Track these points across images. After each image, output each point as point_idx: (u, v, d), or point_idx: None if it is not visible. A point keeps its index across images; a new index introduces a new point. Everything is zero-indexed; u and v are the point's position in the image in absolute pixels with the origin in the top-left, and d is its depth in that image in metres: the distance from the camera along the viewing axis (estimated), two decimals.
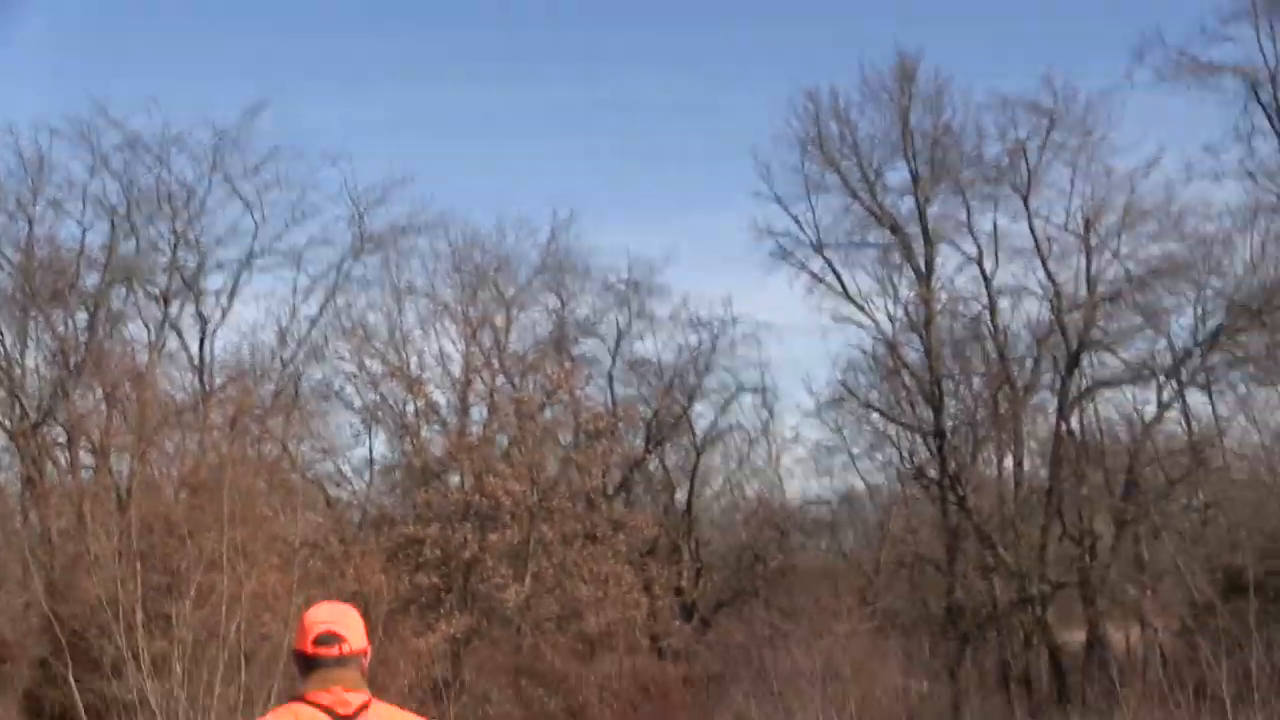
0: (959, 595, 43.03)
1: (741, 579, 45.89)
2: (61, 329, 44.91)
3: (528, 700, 37.38)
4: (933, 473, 45.66)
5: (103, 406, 44.00)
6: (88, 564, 30.58)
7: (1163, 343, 44.35)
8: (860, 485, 48.81)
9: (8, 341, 44.64)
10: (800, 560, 47.53)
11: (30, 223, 44.79)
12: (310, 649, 6.06)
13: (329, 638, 6.06)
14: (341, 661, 6.04)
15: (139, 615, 27.42)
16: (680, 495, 47.66)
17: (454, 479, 42.75)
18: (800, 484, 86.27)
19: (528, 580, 39.52)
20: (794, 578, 44.18)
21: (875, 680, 31.94)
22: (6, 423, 44.38)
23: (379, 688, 22.11)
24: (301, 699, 5.99)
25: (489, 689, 36.94)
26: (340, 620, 6.16)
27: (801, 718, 29.40)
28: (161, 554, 31.43)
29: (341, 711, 5.94)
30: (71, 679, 26.65)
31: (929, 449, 45.88)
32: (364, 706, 5.98)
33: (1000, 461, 46.37)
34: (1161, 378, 43.95)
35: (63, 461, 44.57)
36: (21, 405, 43.53)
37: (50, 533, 39.73)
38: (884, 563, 46.68)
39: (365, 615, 21.61)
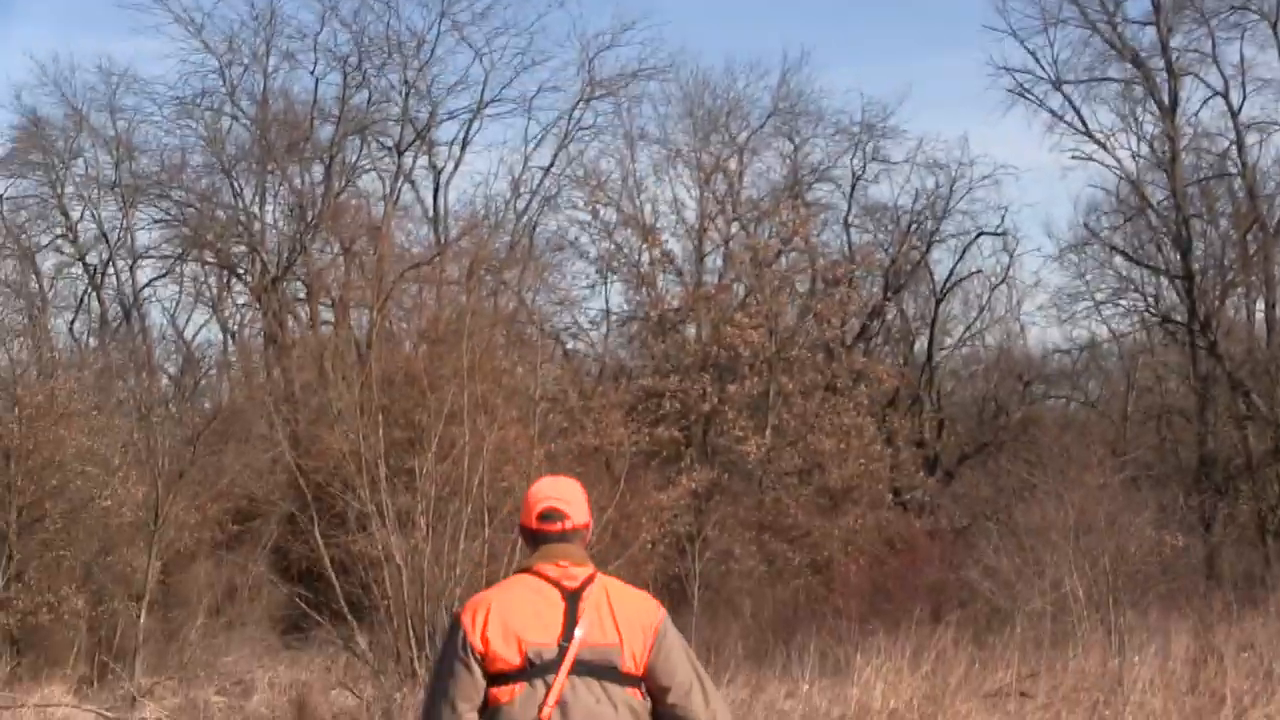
0: (1211, 446, 41.89)
1: (984, 431, 45.03)
2: (298, 183, 45.24)
3: (771, 555, 37.06)
4: (1180, 318, 44.30)
5: (340, 260, 44.37)
6: (330, 419, 30.65)
7: None
8: (1104, 333, 47.51)
9: (247, 197, 45.08)
10: (1044, 412, 46.56)
11: (265, 75, 45.03)
12: (535, 524, 6.17)
13: (552, 514, 6.15)
14: (564, 536, 6.13)
15: (382, 470, 27.39)
16: (920, 345, 46.84)
17: (690, 330, 42.44)
18: (1041, 332, 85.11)
19: (768, 433, 39.12)
20: (1038, 429, 43.16)
21: (1128, 533, 31.02)
22: (248, 278, 44.89)
23: (622, 543, 21.83)
24: (530, 571, 6.09)
25: (732, 544, 36.64)
26: (563, 496, 6.24)
27: (1053, 571, 28.64)
28: (402, 408, 31.48)
29: (568, 585, 6.01)
30: (318, 534, 26.71)
31: (1177, 293, 44.51)
32: (589, 580, 6.06)
33: (1251, 305, 44.91)
34: None
35: (303, 316, 45.06)
36: (262, 261, 43.99)
37: (293, 388, 40.17)
38: (1131, 413, 45.46)
39: (607, 469, 21.51)
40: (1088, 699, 21.68)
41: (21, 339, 40.65)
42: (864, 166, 46.49)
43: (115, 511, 34.01)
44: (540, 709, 5.81)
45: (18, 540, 33.86)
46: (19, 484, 34.05)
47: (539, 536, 6.15)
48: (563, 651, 5.86)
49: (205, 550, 35.72)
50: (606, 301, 45.94)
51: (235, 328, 46.15)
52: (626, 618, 6.01)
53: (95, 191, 45.28)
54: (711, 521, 36.32)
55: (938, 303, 46.55)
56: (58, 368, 39.08)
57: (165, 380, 44.14)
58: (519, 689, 5.85)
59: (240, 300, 45.99)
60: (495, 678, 5.88)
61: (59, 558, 34.21)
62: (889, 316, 46.54)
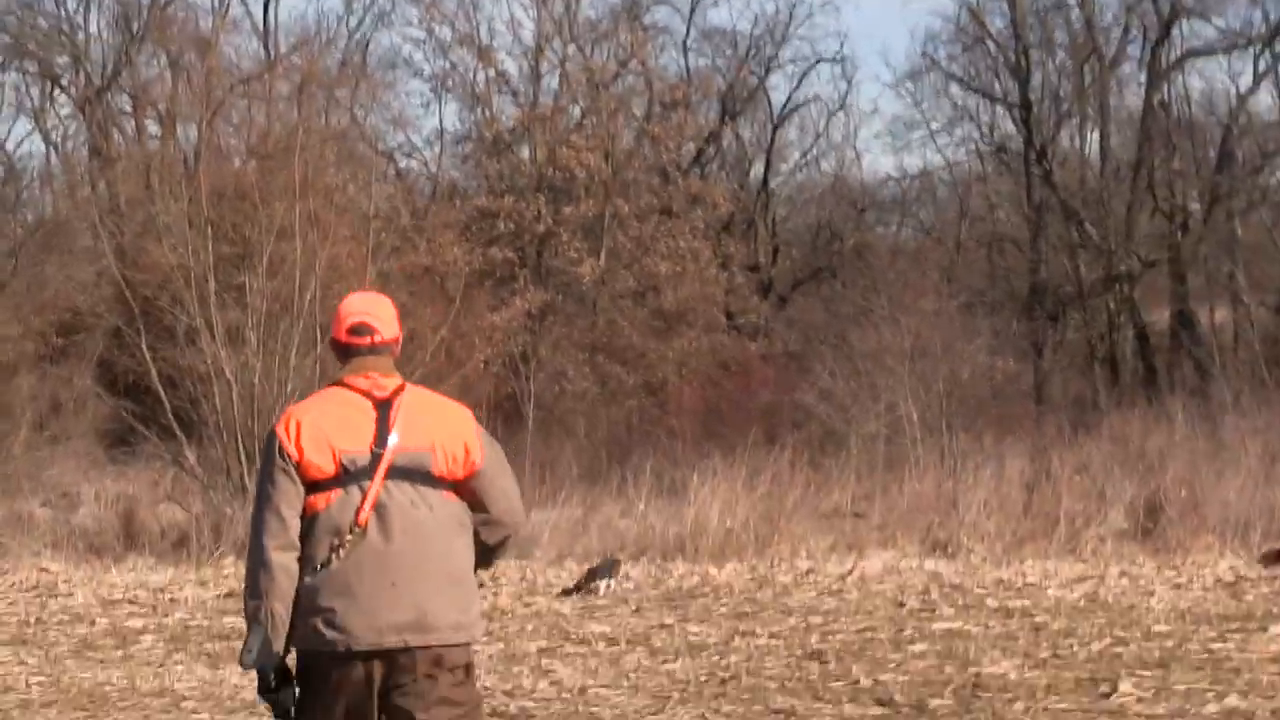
0: (1043, 274, 42.21)
1: (818, 257, 45.03)
2: None
3: (604, 376, 36.91)
4: (1016, 147, 44.45)
5: (168, 74, 43.31)
6: (157, 232, 29.92)
7: (1258, 12, 42.94)
8: (937, 162, 47.54)
9: (70, 6, 43.79)
10: (877, 239, 46.64)
11: None
12: (345, 338, 6.30)
13: (361, 328, 6.28)
14: (374, 350, 6.26)
15: (211, 284, 26.85)
16: (755, 172, 46.61)
17: (525, 152, 41.95)
18: (875, 160, 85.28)
19: (603, 255, 38.82)
20: (871, 257, 43.30)
21: (961, 359, 31.22)
22: (72, 89, 43.74)
23: (456, 362, 21.43)
24: (340, 384, 6.25)
25: (565, 364, 36.46)
26: (373, 311, 6.37)
27: (888, 395, 28.75)
28: (231, 222, 30.85)
29: (378, 395, 6.16)
30: (144, 347, 26.17)
31: (1013, 121, 44.59)
32: (399, 389, 6.21)
33: (1086, 136, 45.17)
34: (1257, 47, 42.77)
35: (129, 130, 44.00)
36: (86, 72, 42.87)
37: (119, 201, 39.29)
38: (964, 241, 45.61)
39: (440, 289, 21.08)
40: (923, 520, 21.79)
41: None
42: None
43: None
44: (357, 513, 5.95)
45: None
46: None
47: (349, 350, 6.27)
48: (376, 458, 6.01)
49: (28, 363, 35.02)
50: (440, 121, 45.44)
51: (58, 140, 44.93)
52: (438, 424, 6.17)
53: None
54: (545, 342, 36.11)
55: (775, 129, 46.27)
56: None
57: None
58: (334, 495, 6.00)
59: (64, 112, 44.76)
60: (311, 485, 6.02)
61: None
62: (725, 142, 46.19)
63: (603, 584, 18.06)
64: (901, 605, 16.05)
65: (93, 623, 16.32)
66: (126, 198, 39.10)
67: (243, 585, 6.11)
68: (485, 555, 6.30)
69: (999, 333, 34.04)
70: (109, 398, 32.44)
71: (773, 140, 46.23)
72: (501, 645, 14.17)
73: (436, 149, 44.66)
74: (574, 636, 14.62)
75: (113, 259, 31.10)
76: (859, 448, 26.87)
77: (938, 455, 25.47)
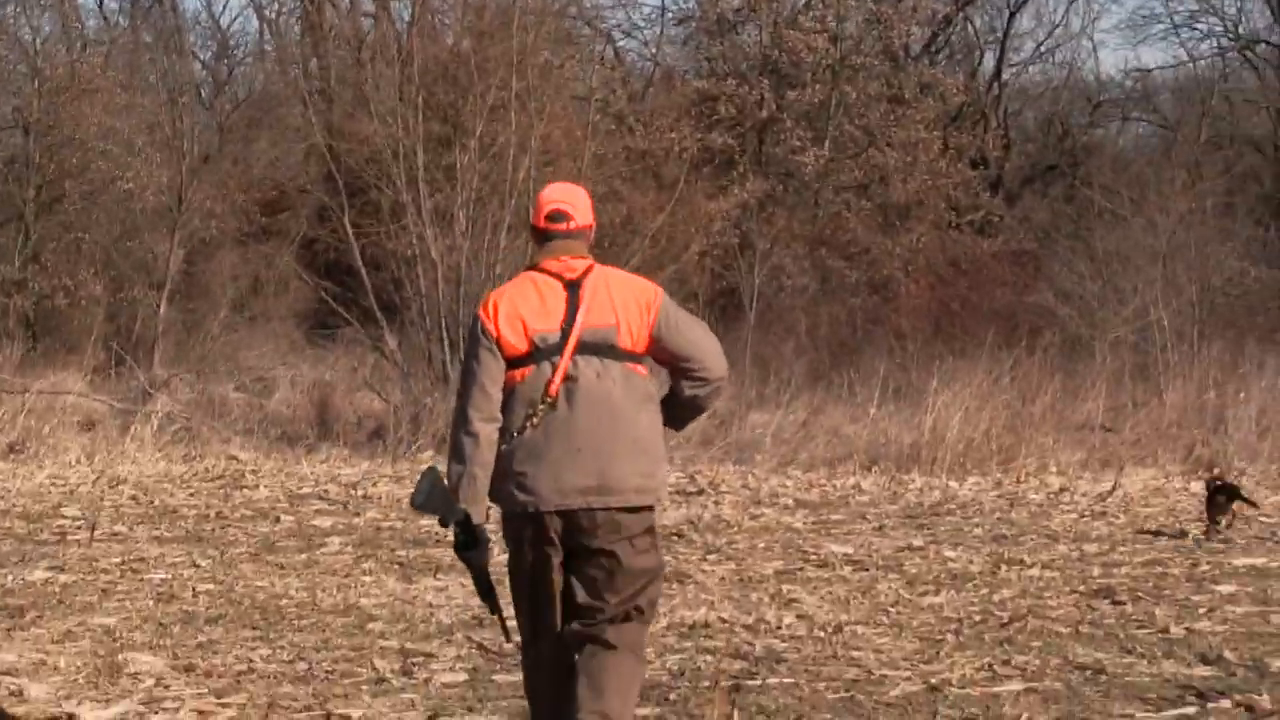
0: None
1: (1049, 153, 42.72)
2: None
3: (826, 271, 35.14)
4: (1274, 38, 41.84)
5: None
6: (368, 108, 28.83)
7: None
8: (1181, 56, 45.04)
9: None
10: (1111, 137, 44.25)
11: None
12: (543, 224, 6.86)
13: (558, 215, 6.84)
14: (568, 235, 6.83)
15: (420, 159, 25.79)
16: (987, 62, 44.27)
17: (749, 34, 40.16)
18: (1113, 54, 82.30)
19: (827, 144, 36.95)
20: (1104, 155, 41.01)
21: (1212, 263, 29.15)
22: None
23: (673, 252, 19.84)
24: (536, 268, 6.81)
25: (784, 258, 34.74)
26: (569, 199, 6.93)
27: (1136, 298, 26.77)
28: (443, 102, 29.67)
29: (569, 276, 6.73)
30: (347, 222, 25.08)
31: (1271, 10, 41.92)
32: (588, 270, 6.76)
33: None
34: None
35: (342, 5, 42.99)
36: None
37: (329, 77, 38.34)
38: (1204, 140, 43.00)
39: (655, 176, 19.75)
40: (1184, 437, 19.98)
41: (47, 11, 38.42)
42: None
43: (138, 195, 32.51)
44: (547, 386, 6.57)
45: (35, 220, 32.60)
46: (37, 161, 32.72)
47: (546, 235, 6.83)
48: (565, 335, 6.59)
49: (231, 241, 34.31)
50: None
51: (271, 15, 43.98)
52: (622, 300, 6.70)
53: None
54: (765, 235, 34.38)
55: (1010, 16, 43.75)
56: (85, 43, 37.29)
57: (198, 66, 42.11)
58: (529, 370, 6.62)
59: None
60: (510, 362, 6.64)
61: (78, 240, 32.89)
62: (954, 38, 43.84)
63: None
64: (1183, 534, 14.32)
65: (277, 520, 15.19)
66: (337, 74, 38.13)
67: (446, 452, 6.69)
68: (690, 408, 6.88)
69: (1251, 238, 31.70)
70: (310, 278, 31.57)
71: (1008, 28, 43.77)
72: (733, 565, 12.69)
73: (656, 29, 43.02)
74: (813, 558, 13.08)
75: (320, 132, 30.04)
76: (1105, 355, 24.93)
77: (1192, 365, 23.51)
